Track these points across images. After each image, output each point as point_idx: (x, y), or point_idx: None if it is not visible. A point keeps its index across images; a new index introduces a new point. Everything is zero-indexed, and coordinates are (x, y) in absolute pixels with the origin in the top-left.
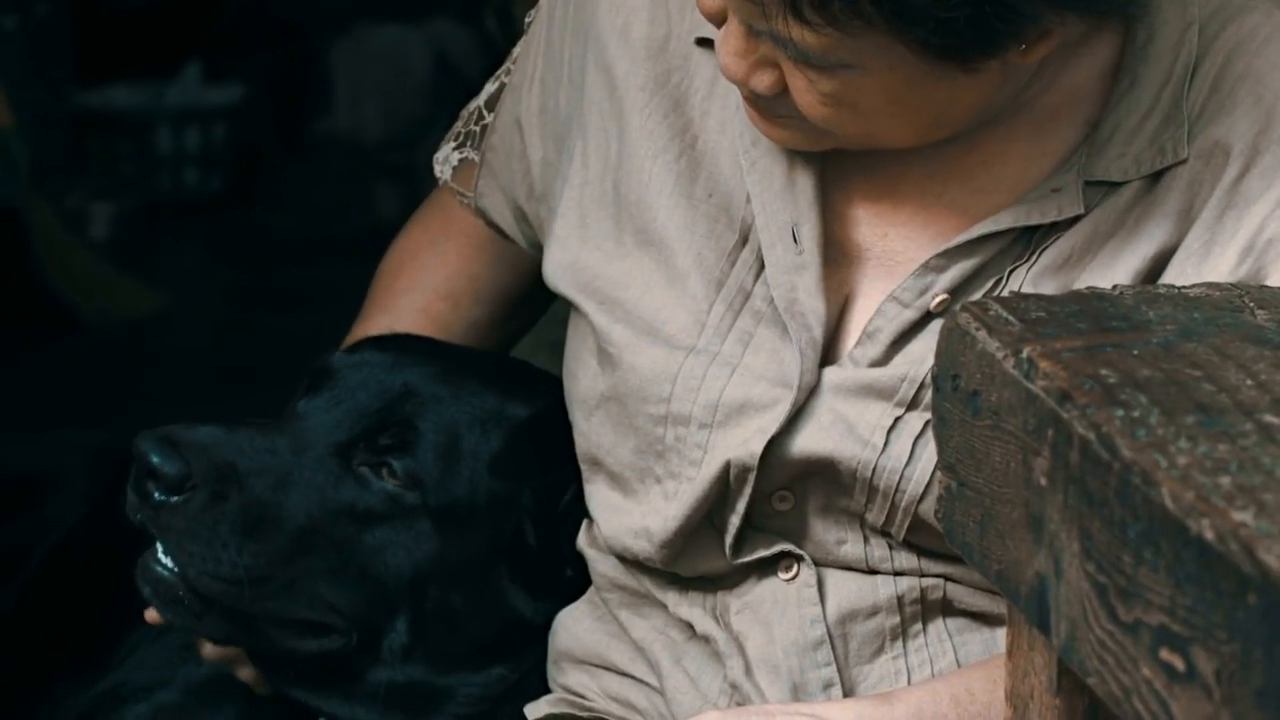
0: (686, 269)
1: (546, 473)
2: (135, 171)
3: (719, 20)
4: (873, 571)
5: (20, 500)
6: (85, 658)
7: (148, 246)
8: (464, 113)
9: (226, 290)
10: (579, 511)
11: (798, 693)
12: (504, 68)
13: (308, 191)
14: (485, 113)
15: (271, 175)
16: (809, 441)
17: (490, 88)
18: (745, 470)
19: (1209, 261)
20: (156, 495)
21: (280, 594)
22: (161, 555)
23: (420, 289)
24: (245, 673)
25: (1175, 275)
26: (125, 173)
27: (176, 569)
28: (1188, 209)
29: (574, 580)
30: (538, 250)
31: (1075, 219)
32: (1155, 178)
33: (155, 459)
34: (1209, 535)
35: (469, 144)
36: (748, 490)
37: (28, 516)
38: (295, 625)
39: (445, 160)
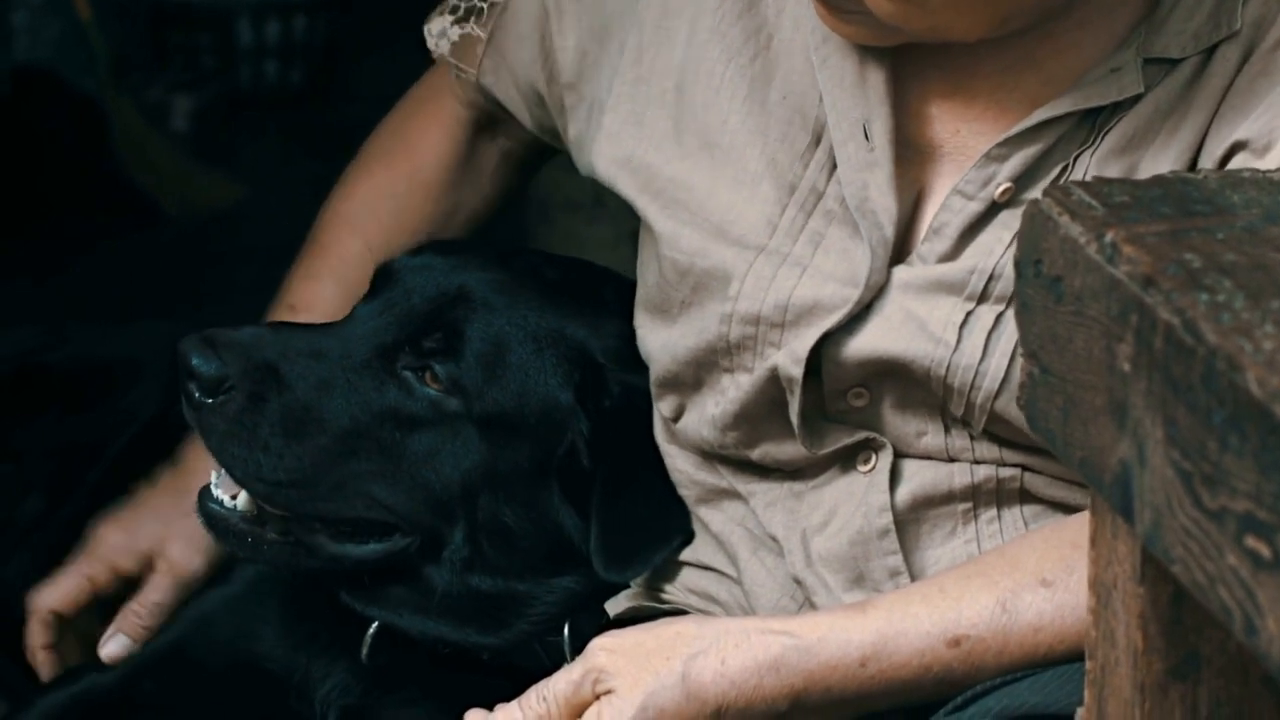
0: (759, 173)
1: (605, 396)
2: (215, 64)
3: None
4: (952, 460)
5: (100, 389)
6: None
7: (227, 139)
8: None
9: (306, 182)
10: (640, 436)
11: (860, 583)
12: None
13: (387, 84)
14: None
15: (351, 68)
16: (880, 341)
17: None
18: (790, 380)
19: (1239, 129)
20: (197, 396)
21: (331, 496)
22: (214, 489)
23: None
24: None
25: (1209, 139)
26: (205, 65)
27: (225, 473)
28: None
29: None
30: (546, 134)
31: (1136, 99)
32: (1210, 52)
33: (194, 360)
34: None
35: (472, 19)
36: (798, 395)
37: (108, 405)
38: (356, 531)
39: (442, 34)
